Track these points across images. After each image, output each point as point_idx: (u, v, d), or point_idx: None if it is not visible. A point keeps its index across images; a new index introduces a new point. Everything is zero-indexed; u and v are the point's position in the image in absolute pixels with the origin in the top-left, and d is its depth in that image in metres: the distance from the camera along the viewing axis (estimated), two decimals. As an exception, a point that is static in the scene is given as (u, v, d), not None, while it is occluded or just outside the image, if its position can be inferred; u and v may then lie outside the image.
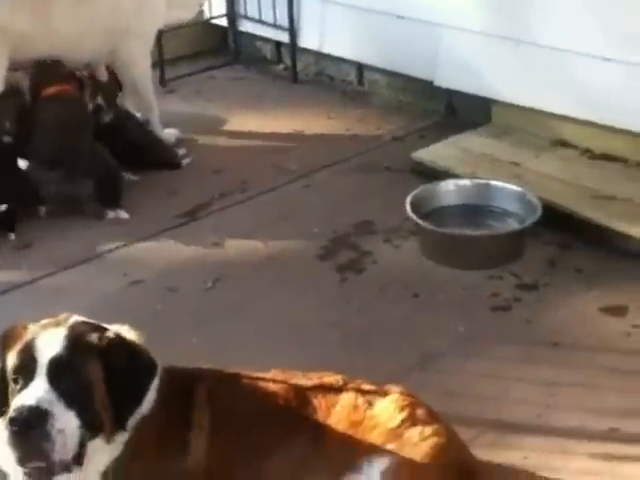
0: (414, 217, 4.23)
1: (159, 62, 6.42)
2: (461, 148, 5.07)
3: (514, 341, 3.73)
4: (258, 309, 3.98)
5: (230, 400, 2.80)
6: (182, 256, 4.41)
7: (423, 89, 5.77)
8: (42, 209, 4.77)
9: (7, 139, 4.84)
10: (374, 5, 5.81)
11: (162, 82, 6.50)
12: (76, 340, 2.56)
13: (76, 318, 2.68)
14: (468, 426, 3.21)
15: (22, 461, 2.48)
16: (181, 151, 5.40)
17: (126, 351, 2.63)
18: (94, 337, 2.58)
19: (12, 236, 4.57)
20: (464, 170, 4.79)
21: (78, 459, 2.55)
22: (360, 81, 6.30)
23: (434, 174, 4.82)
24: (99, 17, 5.03)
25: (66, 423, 2.49)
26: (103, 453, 2.61)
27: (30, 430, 2.44)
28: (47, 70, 4.96)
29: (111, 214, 4.74)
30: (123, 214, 4.74)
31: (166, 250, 4.47)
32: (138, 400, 2.64)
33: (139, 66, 5.37)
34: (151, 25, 5.40)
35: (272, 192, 4.97)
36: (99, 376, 2.55)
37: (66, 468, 2.54)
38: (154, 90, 5.66)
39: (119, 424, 2.60)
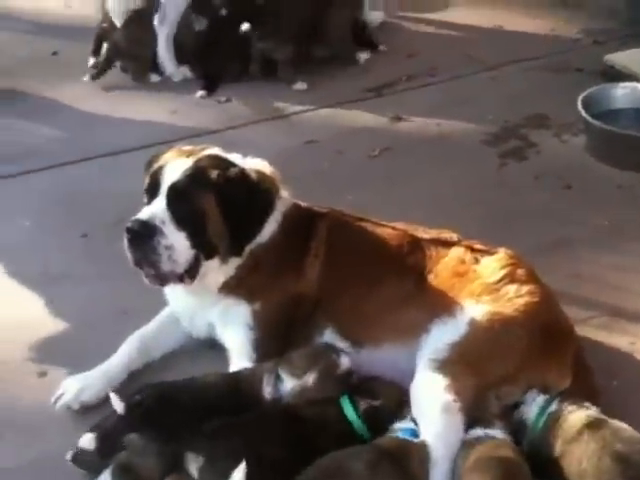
0: (583, 113, 4.29)
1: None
2: (657, 56, 5.00)
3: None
4: (416, 180, 4.23)
5: (347, 237, 3.13)
6: (359, 125, 4.72)
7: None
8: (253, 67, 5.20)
9: (224, 12, 5.21)
10: None
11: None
12: (196, 171, 2.92)
13: (211, 151, 3.04)
14: (586, 307, 3.40)
15: (137, 265, 2.92)
16: (383, 33, 5.64)
17: (243, 187, 2.94)
18: (213, 171, 2.91)
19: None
20: (654, 77, 4.74)
21: (190, 274, 2.95)
22: (577, -17, 6.23)
23: (622, 78, 4.80)
24: None
25: (175, 241, 2.88)
26: (219, 272, 3.00)
27: (139, 241, 2.86)
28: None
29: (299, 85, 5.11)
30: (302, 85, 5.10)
31: (346, 118, 4.80)
32: (252, 232, 2.99)
33: None
34: None
35: (458, 79, 5.13)
36: (213, 206, 2.89)
37: (178, 279, 2.96)
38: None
39: (234, 251, 2.96)
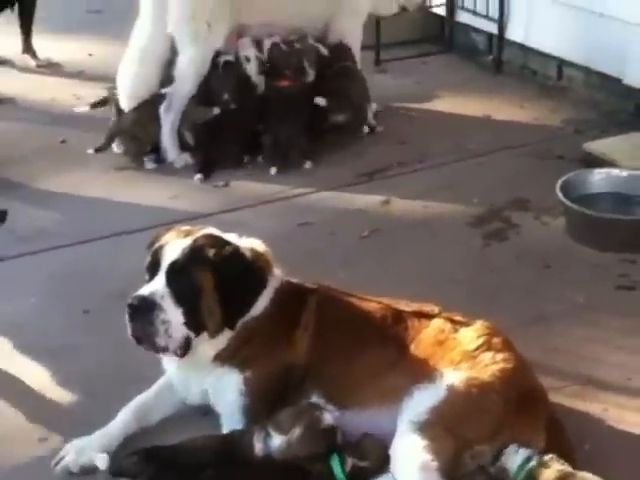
0: (561, 196, 4.53)
1: (376, 44, 7.01)
2: (633, 144, 5.26)
3: (629, 315, 3.98)
4: (402, 259, 4.46)
5: (335, 310, 3.34)
6: (350, 208, 4.96)
7: (617, 88, 5.96)
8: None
9: (232, 106, 5.46)
10: (577, 2, 6.06)
11: (377, 63, 7.06)
12: (194, 250, 3.14)
13: (208, 231, 3.27)
14: (559, 377, 3.59)
15: (135, 338, 3.13)
16: (375, 121, 5.94)
17: (238, 264, 3.15)
18: (210, 250, 3.12)
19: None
20: (631, 164, 4.99)
21: (182, 350, 3.16)
22: (559, 76, 6.56)
23: (600, 164, 5.05)
24: None
25: (172, 317, 3.10)
26: (209, 345, 3.21)
27: (139, 315, 3.07)
28: (282, 60, 5.56)
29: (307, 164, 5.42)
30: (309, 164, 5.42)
31: (338, 201, 5.05)
32: (245, 306, 3.20)
33: (354, 38, 5.89)
34: (365, 5, 5.93)
35: (446, 166, 5.40)
36: (209, 284, 3.09)
37: (171, 353, 3.17)
38: (366, 69, 6.23)
39: (227, 324, 3.17)
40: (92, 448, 3.22)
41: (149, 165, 5.54)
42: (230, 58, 5.51)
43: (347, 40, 5.88)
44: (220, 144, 5.50)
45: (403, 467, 2.89)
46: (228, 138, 5.51)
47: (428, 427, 2.91)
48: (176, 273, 3.12)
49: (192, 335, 3.16)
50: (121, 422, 3.32)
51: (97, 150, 5.60)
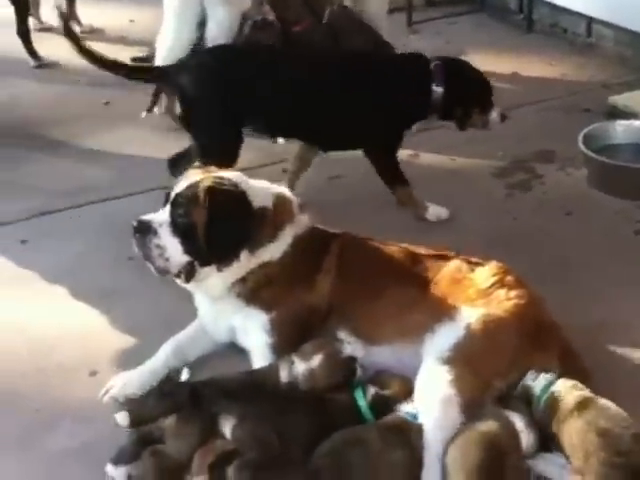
0: (582, 147, 4.70)
1: (408, 6, 7.17)
2: (658, 97, 5.41)
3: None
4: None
5: (356, 254, 3.56)
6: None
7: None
8: None
9: None
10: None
11: (409, 24, 7.23)
12: (195, 188, 3.36)
13: (223, 173, 3.47)
14: (575, 316, 3.72)
15: (141, 255, 3.43)
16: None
17: (229, 204, 3.34)
18: (204, 189, 3.32)
19: None
20: (654, 115, 5.14)
21: (186, 275, 3.43)
22: (589, 34, 6.67)
23: (624, 117, 5.20)
24: None
25: (167, 243, 3.36)
26: (217, 278, 3.46)
27: (137, 236, 3.39)
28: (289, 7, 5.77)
29: None
30: None
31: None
32: (231, 246, 3.38)
33: (374, 3, 6.08)
34: None
35: (472, 120, 5.56)
36: (201, 219, 3.32)
37: (175, 276, 3.45)
38: (399, 30, 6.40)
39: (216, 259, 3.39)
40: (136, 380, 3.49)
41: None
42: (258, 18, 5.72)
43: (367, 4, 6.01)
44: None
45: (427, 399, 3.07)
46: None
47: (452, 363, 3.10)
48: (176, 206, 3.38)
49: (196, 263, 3.40)
50: (162, 357, 3.58)
51: (148, 111, 5.82)
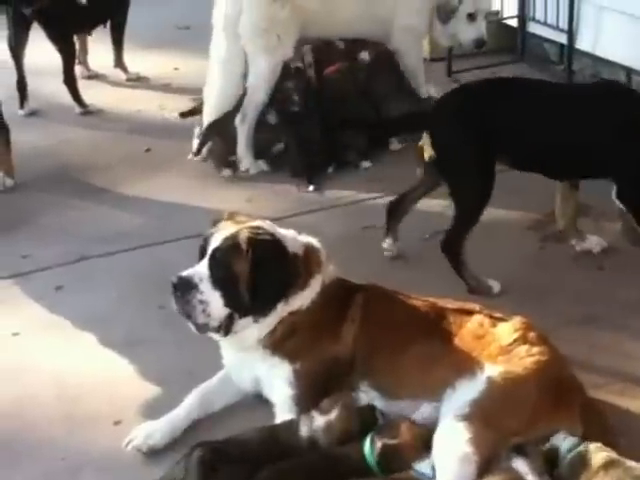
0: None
1: (448, 56, 7.21)
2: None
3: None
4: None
5: (381, 305, 3.57)
6: (417, 210, 5.10)
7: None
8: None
9: (295, 109, 5.84)
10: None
11: (449, 74, 7.27)
12: (234, 240, 3.40)
13: (257, 223, 3.53)
14: (602, 374, 3.74)
15: (179, 313, 3.43)
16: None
17: (271, 254, 3.39)
18: (248, 240, 3.37)
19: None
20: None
21: (225, 329, 3.44)
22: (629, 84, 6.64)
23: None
24: (369, 5, 5.89)
25: (210, 298, 3.38)
26: (253, 329, 3.47)
27: (179, 293, 3.39)
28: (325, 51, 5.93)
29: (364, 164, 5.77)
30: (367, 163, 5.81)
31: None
32: (275, 294, 3.43)
33: (409, 56, 6.17)
34: (417, 20, 6.11)
35: (509, 171, 5.50)
36: (244, 269, 3.35)
37: (214, 331, 3.45)
38: (439, 80, 6.44)
39: (259, 311, 3.43)
40: (159, 431, 3.52)
41: (226, 173, 5.85)
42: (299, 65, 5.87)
43: (404, 56, 6.15)
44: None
45: (445, 456, 3.06)
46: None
47: (471, 420, 3.08)
48: (216, 259, 3.41)
49: (235, 315, 3.42)
50: (186, 408, 3.60)
51: (195, 154, 5.96)
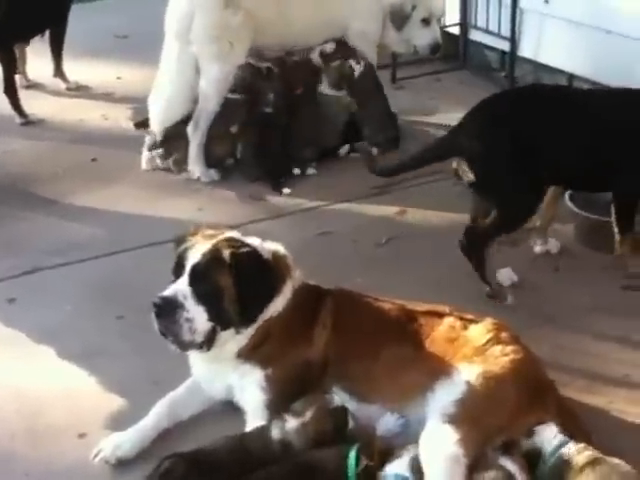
0: (570, 205, 4.75)
1: (392, 63, 7.26)
2: None
3: (635, 315, 4.19)
4: (418, 266, 4.68)
5: (351, 310, 3.57)
6: (367, 218, 5.21)
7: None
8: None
9: (268, 110, 5.83)
10: (585, 20, 6.28)
11: (393, 80, 7.31)
12: (213, 253, 3.38)
13: (228, 234, 3.50)
14: (566, 372, 3.79)
15: (162, 334, 3.38)
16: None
17: (254, 264, 3.39)
18: (228, 251, 3.35)
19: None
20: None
21: (208, 343, 3.40)
22: (570, 90, 6.76)
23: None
24: (324, 12, 5.88)
25: (194, 314, 3.33)
26: (234, 340, 3.45)
27: (164, 314, 3.33)
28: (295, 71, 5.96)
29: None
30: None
31: (355, 212, 5.30)
32: (261, 305, 3.42)
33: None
34: (371, 26, 6.10)
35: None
36: (228, 283, 3.33)
37: (197, 347, 3.41)
38: (385, 86, 6.46)
39: (244, 322, 3.40)
40: (128, 441, 3.45)
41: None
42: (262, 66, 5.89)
43: None
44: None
45: (433, 458, 3.06)
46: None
47: (457, 422, 3.10)
48: (197, 275, 3.37)
49: (218, 329, 3.39)
50: (154, 417, 3.55)
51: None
